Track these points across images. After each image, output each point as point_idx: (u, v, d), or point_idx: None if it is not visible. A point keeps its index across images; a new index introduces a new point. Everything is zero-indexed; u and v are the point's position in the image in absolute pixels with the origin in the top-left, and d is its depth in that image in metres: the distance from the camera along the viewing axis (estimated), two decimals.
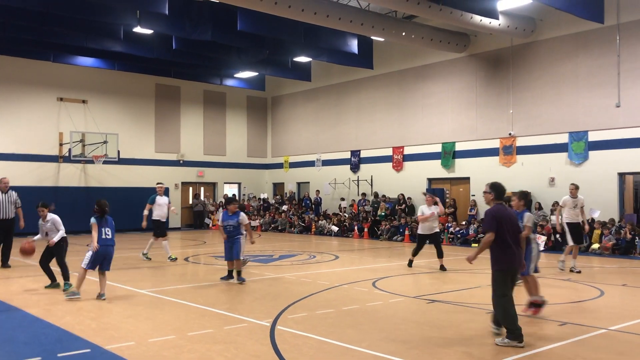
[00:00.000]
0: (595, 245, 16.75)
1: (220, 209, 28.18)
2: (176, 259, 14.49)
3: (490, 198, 6.82)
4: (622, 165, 17.86)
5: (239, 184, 31.28)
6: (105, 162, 25.05)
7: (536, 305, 7.63)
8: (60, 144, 24.95)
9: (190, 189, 29.62)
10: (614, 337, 6.87)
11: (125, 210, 22.26)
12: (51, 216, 9.88)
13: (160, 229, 14.42)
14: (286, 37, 20.72)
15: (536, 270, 8.10)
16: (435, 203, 13.33)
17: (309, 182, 28.99)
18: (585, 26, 18.49)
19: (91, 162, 24.95)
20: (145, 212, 14.48)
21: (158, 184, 15.12)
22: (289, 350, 6.22)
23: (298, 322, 7.56)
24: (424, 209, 13.19)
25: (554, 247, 17.37)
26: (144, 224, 14.58)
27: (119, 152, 25.31)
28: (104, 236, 9.11)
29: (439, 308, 8.67)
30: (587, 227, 12.51)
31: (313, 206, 27.05)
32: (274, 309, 8.34)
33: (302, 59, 25.03)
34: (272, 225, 26.59)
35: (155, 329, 7.25)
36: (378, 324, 7.59)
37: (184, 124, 28.98)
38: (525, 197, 8.07)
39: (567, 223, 12.57)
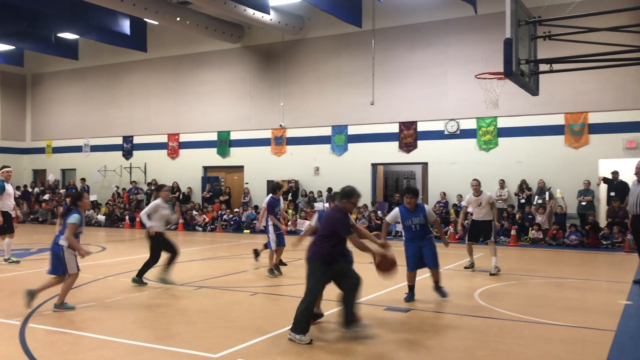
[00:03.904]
0: None
1: None
2: (19, 261, 11.93)
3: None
4: (374, 156, 20.13)
5: None
6: None
7: None
8: None
9: None
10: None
11: None
12: None
13: (9, 223, 11.68)
14: (48, 10, 18.98)
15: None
16: None
17: (75, 169, 26.96)
18: (347, 29, 20.29)
19: None
20: None
21: (4, 167, 11.85)
22: (42, 348, 5.86)
23: (54, 318, 7.13)
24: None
25: None
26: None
27: None
28: None
29: (204, 293, 8.89)
30: (497, 224, 11.49)
31: None
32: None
33: (68, 35, 23.18)
34: (32, 217, 24.20)
35: None
36: (140, 313, 7.53)
37: None
38: None
39: (472, 220, 11.35)
